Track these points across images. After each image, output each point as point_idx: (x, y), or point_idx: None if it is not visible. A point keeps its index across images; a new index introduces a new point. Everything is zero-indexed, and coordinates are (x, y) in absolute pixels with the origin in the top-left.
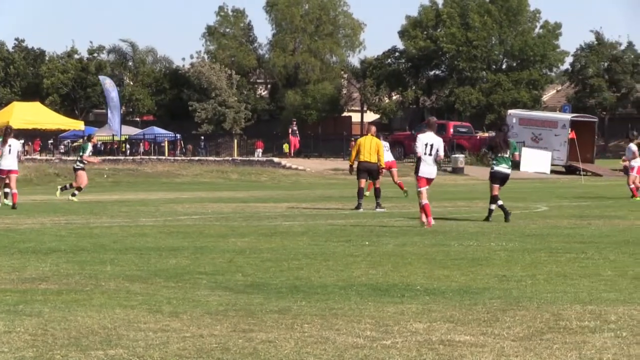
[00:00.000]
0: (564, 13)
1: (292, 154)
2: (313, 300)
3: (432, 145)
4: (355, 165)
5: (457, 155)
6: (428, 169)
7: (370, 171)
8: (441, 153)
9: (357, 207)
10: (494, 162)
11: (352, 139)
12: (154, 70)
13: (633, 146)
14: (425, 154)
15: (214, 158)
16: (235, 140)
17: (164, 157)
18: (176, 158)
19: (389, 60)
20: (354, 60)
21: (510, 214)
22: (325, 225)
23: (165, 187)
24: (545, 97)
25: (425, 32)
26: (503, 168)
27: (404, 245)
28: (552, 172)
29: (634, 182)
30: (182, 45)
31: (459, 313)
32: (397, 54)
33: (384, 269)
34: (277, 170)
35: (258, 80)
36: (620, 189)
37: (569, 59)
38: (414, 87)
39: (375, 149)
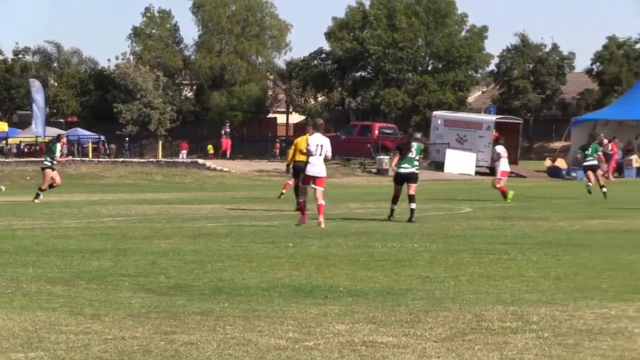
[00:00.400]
0: (491, 15)
1: (228, 156)
2: (236, 301)
3: (321, 146)
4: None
5: (381, 157)
6: (315, 168)
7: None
8: (329, 154)
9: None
10: (399, 163)
11: (277, 140)
12: (79, 71)
13: (499, 147)
14: (316, 153)
15: (139, 159)
16: (160, 142)
17: (87, 159)
18: (100, 159)
19: (315, 61)
20: (280, 61)
21: (412, 220)
22: (249, 226)
23: (88, 188)
24: (470, 99)
25: (351, 34)
26: (404, 169)
27: (327, 247)
28: (477, 173)
29: (499, 183)
30: (108, 47)
31: (382, 314)
32: (323, 55)
33: (307, 270)
34: (202, 171)
35: (184, 82)
36: (545, 190)
37: (494, 61)
38: (339, 89)
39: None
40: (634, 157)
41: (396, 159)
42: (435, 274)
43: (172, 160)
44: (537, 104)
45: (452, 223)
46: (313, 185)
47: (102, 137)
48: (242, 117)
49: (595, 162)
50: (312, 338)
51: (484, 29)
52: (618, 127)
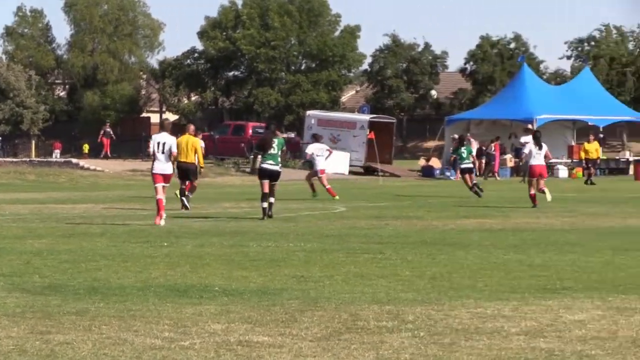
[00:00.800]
0: (363, 15)
1: (110, 156)
2: (111, 301)
3: (164, 144)
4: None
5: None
6: (161, 165)
7: (186, 171)
8: (174, 150)
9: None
10: (263, 159)
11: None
12: None
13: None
14: (158, 152)
15: (11, 159)
16: (33, 141)
17: None
18: None
19: (188, 60)
20: (153, 61)
21: (268, 217)
22: (124, 226)
23: None
24: (344, 98)
25: (224, 33)
26: (269, 165)
27: (202, 246)
28: (351, 172)
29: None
30: None
31: (257, 314)
32: (196, 54)
33: (182, 270)
34: (75, 171)
35: (57, 81)
36: (419, 189)
37: (368, 60)
38: (213, 88)
39: (192, 148)
40: (507, 156)
41: (259, 158)
42: (311, 274)
43: (46, 159)
44: (411, 103)
45: (326, 223)
46: (163, 184)
47: None
48: (116, 116)
49: (471, 165)
50: (188, 338)
51: (357, 28)
52: (491, 127)
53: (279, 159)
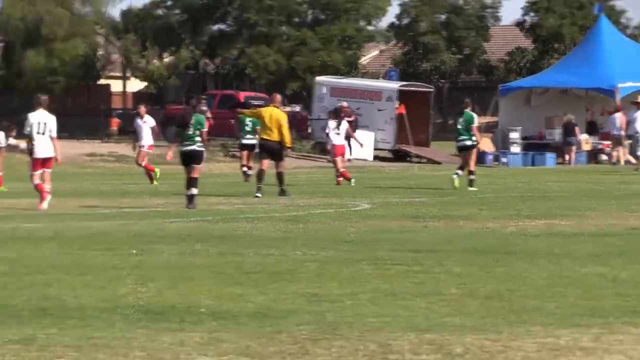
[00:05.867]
0: None
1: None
2: (66, 326)
3: (45, 124)
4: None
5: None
6: (42, 149)
7: (271, 151)
8: (54, 133)
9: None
10: (180, 141)
11: (114, 114)
12: None
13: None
14: (39, 133)
15: None
16: None
17: None
18: None
19: (159, 11)
20: (115, 11)
21: (192, 207)
22: (80, 228)
23: None
24: (364, 60)
25: None
26: (185, 146)
27: (182, 255)
28: (376, 158)
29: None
30: None
31: (257, 344)
32: (169, 2)
33: (158, 285)
34: (13, 155)
35: None
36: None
37: (394, 11)
38: (191, 47)
39: (277, 123)
40: (583, 137)
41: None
42: (326, 291)
43: None
44: (453, 67)
45: (346, 224)
46: (44, 169)
47: None
48: (66, 83)
49: (470, 142)
50: None
51: None
52: (561, 97)
53: (197, 138)
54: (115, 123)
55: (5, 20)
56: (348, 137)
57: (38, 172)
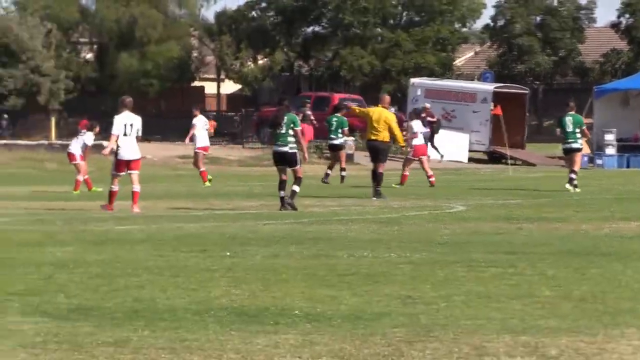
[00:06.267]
0: None
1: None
2: (159, 328)
3: (131, 125)
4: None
5: (345, 138)
6: (127, 150)
7: (376, 151)
8: (140, 133)
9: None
10: (274, 140)
11: (210, 117)
12: None
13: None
14: (125, 135)
15: (25, 142)
16: (53, 119)
17: None
18: None
19: (254, 12)
20: (209, 13)
21: (291, 207)
22: (173, 230)
23: None
24: (459, 62)
25: None
26: (278, 146)
27: (276, 257)
28: (471, 160)
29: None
30: None
31: (351, 346)
32: (263, 4)
33: (251, 287)
34: (108, 158)
35: (82, 40)
36: (562, 181)
37: (489, 12)
38: (285, 49)
39: (385, 124)
40: None
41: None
42: (420, 293)
43: (69, 142)
44: (548, 69)
45: (440, 226)
46: (129, 171)
47: None
48: (159, 86)
49: (577, 145)
50: None
51: None
52: None
53: (290, 138)
54: (211, 125)
55: (99, 22)
56: (432, 139)
57: (121, 174)
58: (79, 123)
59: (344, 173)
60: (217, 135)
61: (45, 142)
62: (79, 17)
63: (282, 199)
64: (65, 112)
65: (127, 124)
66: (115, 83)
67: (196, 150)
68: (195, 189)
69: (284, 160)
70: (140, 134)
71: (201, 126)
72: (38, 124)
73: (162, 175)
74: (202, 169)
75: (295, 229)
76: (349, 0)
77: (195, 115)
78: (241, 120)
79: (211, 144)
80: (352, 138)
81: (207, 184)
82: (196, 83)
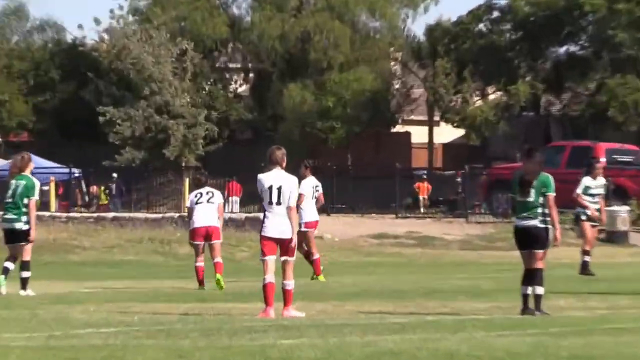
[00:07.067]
0: None
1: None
2: None
3: (279, 189)
4: None
5: (614, 209)
6: (275, 225)
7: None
8: (294, 199)
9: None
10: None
11: (423, 174)
12: (29, 46)
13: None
14: (271, 203)
15: (145, 214)
16: (187, 180)
17: (48, 213)
18: (71, 214)
19: (482, 25)
20: (417, 26)
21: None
22: (361, 344)
23: (50, 271)
24: None
25: None
26: (522, 219)
27: None
28: None
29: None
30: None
31: None
32: (495, 14)
33: None
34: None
35: (231, 65)
36: None
37: None
38: (529, 77)
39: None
40: None
41: None
42: None
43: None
44: None
45: None
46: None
47: (77, 172)
48: (345, 130)
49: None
50: None
51: None
52: None
53: (540, 210)
54: (422, 189)
55: (255, 41)
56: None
57: (269, 258)
58: (227, 185)
59: (587, 258)
60: (431, 205)
61: (176, 214)
62: (227, 33)
63: (525, 297)
64: (205, 169)
65: (273, 185)
66: (279, 126)
67: (303, 229)
68: (397, 284)
69: (529, 241)
70: (292, 202)
71: (310, 193)
72: (167, 188)
73: (347, 262)
74: (316, 255)
75: (542, 344)
76: (618, 8)
77: (304, 176)
78: (464, 182)
79: (420, 217)
80: (625, 207)
81: (321, 278)
82: (398, 127)
